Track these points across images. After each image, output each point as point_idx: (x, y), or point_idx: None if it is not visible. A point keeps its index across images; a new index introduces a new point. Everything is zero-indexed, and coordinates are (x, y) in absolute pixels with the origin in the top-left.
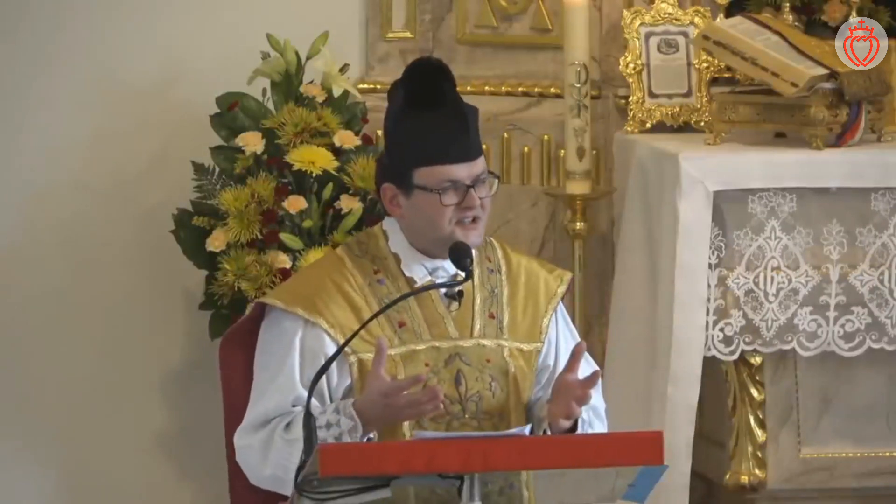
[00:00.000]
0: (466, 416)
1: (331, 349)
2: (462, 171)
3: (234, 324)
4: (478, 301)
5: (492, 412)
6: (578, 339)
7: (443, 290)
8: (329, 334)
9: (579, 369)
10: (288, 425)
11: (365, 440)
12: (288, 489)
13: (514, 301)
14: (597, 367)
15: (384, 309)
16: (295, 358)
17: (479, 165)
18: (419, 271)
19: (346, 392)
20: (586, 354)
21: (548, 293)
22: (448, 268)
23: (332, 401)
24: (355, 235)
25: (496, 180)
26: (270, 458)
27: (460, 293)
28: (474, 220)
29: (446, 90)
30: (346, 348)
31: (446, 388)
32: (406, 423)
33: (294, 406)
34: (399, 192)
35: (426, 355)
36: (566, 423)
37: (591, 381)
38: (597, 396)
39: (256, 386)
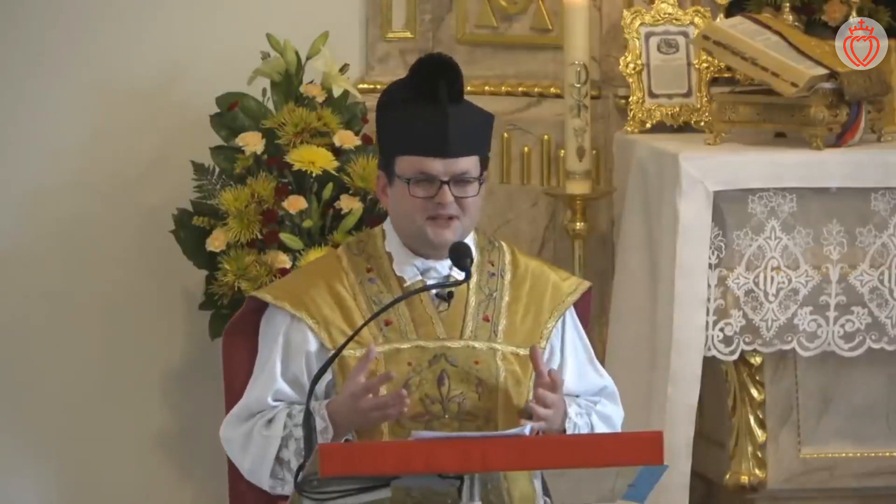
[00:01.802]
0: (447, 416)
1: (313, 345)
2: (437, 166)
3: (233, 317)
4: (472, 303)
5: (476, 414)
6: (588, 349)
7: (433, 290)
8: (312, 330)
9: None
10: (269, 421)
11: (342, 441)
12: (264, 484)
13: (514, 307)
14: (560, 377)
15: (375, 315)
16: (278, 352)
17: (460, 164)
18: (410, 271)
19: (329, 387)
20: (598, 366)
21: (555, 299)
22: (440, 268)
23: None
24: (356, 234)
25: (479, 185)
26: (249, 451)
27: (450, 294)
28: (449, 218)
29: (440, 87)
30: (328, 344)
31: (428, 387)
32: (385, 424)
33: (276, 400)
34: (386, 180)
35: (409, 354)
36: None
37: (550, 383)
38: (612, 405)
39: (252, 377)
